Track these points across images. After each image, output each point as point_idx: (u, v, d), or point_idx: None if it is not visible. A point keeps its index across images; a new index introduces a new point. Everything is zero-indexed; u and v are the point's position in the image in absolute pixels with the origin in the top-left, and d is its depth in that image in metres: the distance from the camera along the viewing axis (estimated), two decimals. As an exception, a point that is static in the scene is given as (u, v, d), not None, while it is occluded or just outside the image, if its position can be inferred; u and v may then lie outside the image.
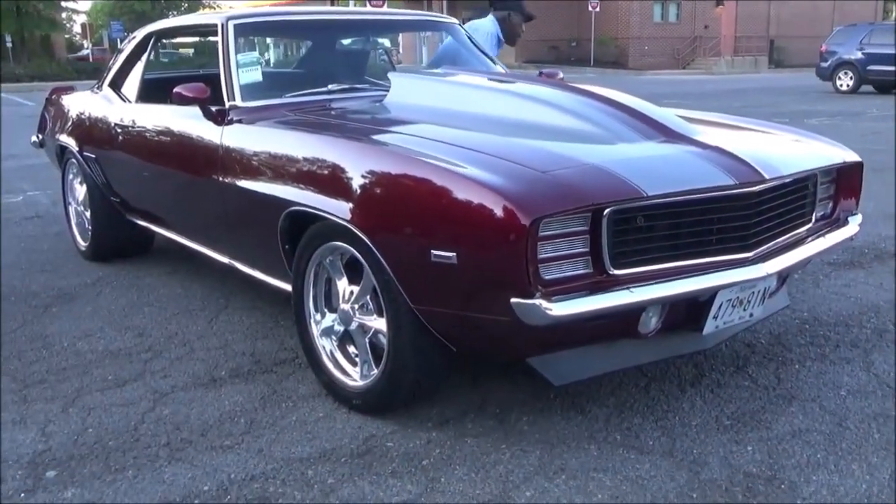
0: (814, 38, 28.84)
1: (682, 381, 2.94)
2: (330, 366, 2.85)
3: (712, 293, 2.43)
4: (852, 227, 3.01)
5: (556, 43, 37.53)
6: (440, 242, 2.26)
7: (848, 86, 19.34)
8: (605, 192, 2.21)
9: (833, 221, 2.99)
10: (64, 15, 46.51)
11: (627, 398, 2.81)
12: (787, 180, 2.60)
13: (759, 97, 18.62)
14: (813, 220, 2.88)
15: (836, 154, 2.96)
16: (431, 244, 2.28)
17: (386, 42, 4.78)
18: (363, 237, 2.47)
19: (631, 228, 2.29)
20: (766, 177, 2.45)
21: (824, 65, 19.93)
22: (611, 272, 2.26)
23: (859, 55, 19.04)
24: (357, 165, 2.58)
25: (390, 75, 3.54)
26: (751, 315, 2.64)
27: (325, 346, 2.87)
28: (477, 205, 2.19)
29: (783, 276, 2.78)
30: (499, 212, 2.13)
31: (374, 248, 2.44)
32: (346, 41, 4.45)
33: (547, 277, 2.19)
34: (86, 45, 46.77)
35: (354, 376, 2.78)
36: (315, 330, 2.89)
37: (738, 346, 3.26)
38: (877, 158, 8.40)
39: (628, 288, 2.25)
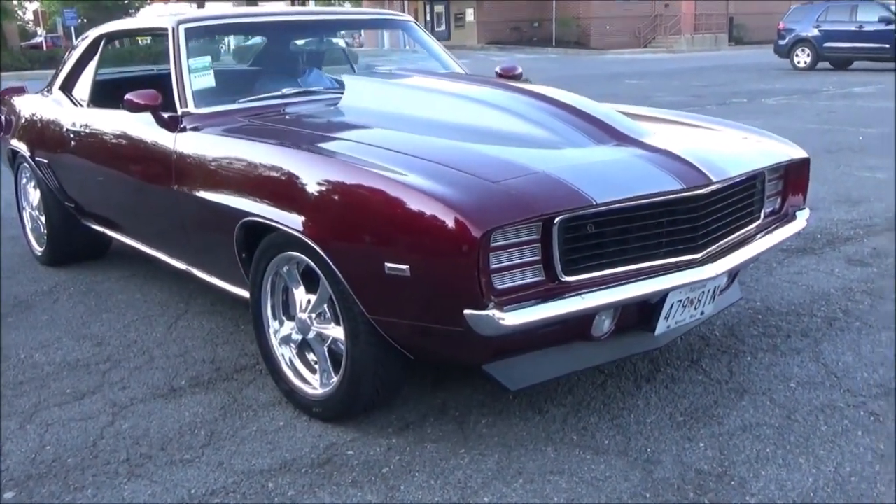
0: (772, 14, 29.10)
1: (638, 378, 3.00)
2: (289, 374, 2.86)
3: (663, 295, 2.48)
4: (800, 221, 3.08)
5: (518, 24, 37.48)
6: (394, 255, 2.28)
7: (805, 63, 19.58)
8: (555, 202, 2.24)
9: (781, 217, 3.05)
10: (15, 2, 45.36)
11: (584, 396, 2.86)
12: (735, 181, 2.65)
13: (719, 75, 18.79)
14: (761, 216, 2.95)
15: (783, 151, 3.02)
16: (385, 256, 2.29)
17: (341, 42, 4.74)
18: (317, 249, 2.47)
19: (581, 236, 2.33)
20: (714, 179, 2.50)
21: (782, 42, 20.15)
22: (562, 279, 2.30)
23: (816, 32, 19.28)
24: (310, 176, 2.58)
25: (344, 79, 3.54)
26: (702, 313, 2.70)
27: (285, 354, 2.88)
28: (429, 217, 2.20)
29: (733, 273, 2.84)
30: (451, 224, 2.15)
31: (328, 260, 2.45)
32: (301, 41, 4.41)
33: (499, 287, 2.22)
34: (39, 33, 45.71)
35: (314, 384, 2.79)
36: (274, 338, 2.90)
37: (692, 339, 3.33)
38: (831, 139, 8.55)
39: (580, 294, 2.29)
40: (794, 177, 3.07)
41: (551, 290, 2.28)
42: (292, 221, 2.56)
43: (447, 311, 2.23)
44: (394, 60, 10.61)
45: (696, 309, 2.65)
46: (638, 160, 2.53)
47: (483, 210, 2.17)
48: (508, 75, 4.22)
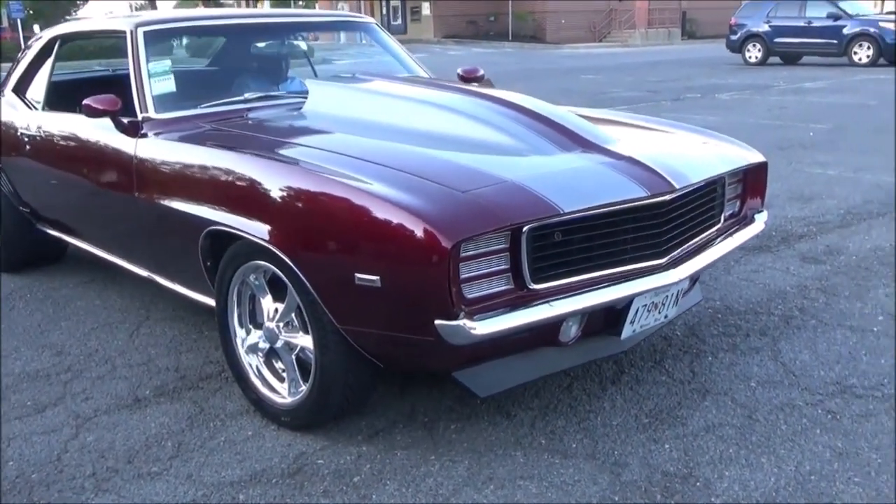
0: (724, 10, 29.53)
1: (604, 380, 3.04)
2: (257, 383, 2.84)
3: (629, 300, 2.52)
4: (758, 224, 3.15)
5: (474, 18, 37.52)
6: (364, 265, 2.28)
7: (756, 58, 19.94)
8: (523, 211, 2.27)
9: (741, 220, 3.12)
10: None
11: (551, 399, 2.90)
12: (696, 187, 2.70)
13: (673, 70, 19.05)
14: (722, 220, 3.01)
15: (742, 156, 3.08)
16: (355, 267, 2.29)
17: (302, 45, 4.71)
18: (285, 258, 2.46)
19: (549, 244, 2.35)
20: (677, 186, 2.55)
21: (734, 37, 20.49)
22: (531, 287, 2.32)
23: (766, 27, 19.63)
24: (275, 185, 2.57)
25: (308, 83, 3.52)
26: (665, 316, 2.75)
27: (252, 363, 2.86)
28: (398, 227, 2.21)
29: (694, 276, 2.90)
30: (421, 235, 2.16)
31: (296, 270, 2.44)
32: (261, 44, 4.37)
33: (469, 296, 2.24)
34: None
35: (283, 393, 2.78)
36: (241, 347, 2.88)
37: (655, 339, 3.38)
38: (783, 135, 8.74)
39: (548, 302, 2.32)
40: (752, 181, 3.14)
41: (520, 298, 2.31)
42: (258, 230, 2.55)
43: (418, 322, 2.25)
44: (350, 54, 10.56)
45: (660, 312, 2.70)
46: (603, 168, 2.56)
47: (453, 220, 2.19)
48: (470, 77, 4.24)
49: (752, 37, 20.02)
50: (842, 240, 4.81)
